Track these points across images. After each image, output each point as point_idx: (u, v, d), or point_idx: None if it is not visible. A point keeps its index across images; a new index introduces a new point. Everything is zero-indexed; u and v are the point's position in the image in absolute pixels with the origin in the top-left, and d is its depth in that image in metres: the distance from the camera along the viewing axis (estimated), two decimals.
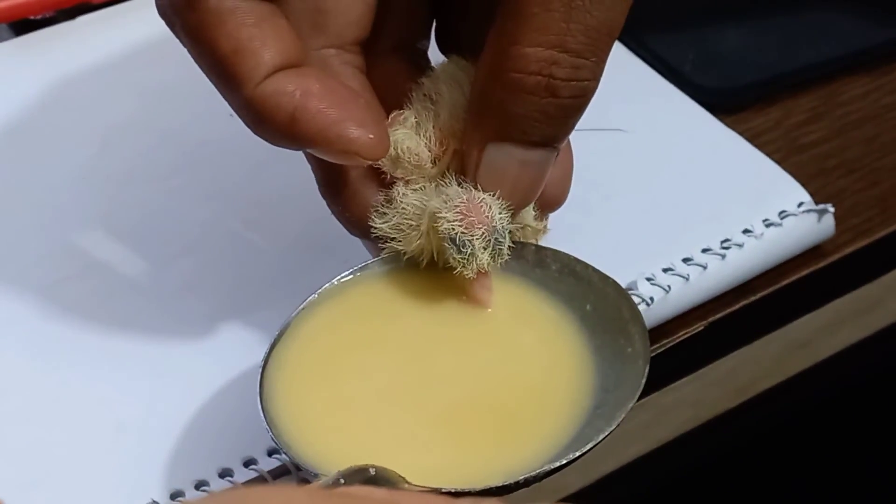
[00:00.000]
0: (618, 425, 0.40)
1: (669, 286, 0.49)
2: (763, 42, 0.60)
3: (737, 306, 0.50)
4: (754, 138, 0.55)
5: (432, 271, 0.44)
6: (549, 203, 0.45)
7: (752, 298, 0.50)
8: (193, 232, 0.52)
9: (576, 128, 0.55)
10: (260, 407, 0.41)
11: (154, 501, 0.44)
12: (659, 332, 0.49)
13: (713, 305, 0.50)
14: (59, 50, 0.60)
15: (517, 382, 0.43)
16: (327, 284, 0.44)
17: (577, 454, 0.40)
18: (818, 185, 0.54)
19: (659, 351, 0.49)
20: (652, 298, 0.49)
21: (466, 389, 0.43)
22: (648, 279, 0.49)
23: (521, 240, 0.44)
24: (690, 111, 0.56)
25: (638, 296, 0.49)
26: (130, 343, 0.48)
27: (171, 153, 0.55)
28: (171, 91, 0.58)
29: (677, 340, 0.49)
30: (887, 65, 0.59)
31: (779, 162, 0.54)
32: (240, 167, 0.55)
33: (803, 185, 0.53)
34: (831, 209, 0.52)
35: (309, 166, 0.46)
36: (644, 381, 0.41)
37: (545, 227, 0.45)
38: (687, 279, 0.49)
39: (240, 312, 0.49)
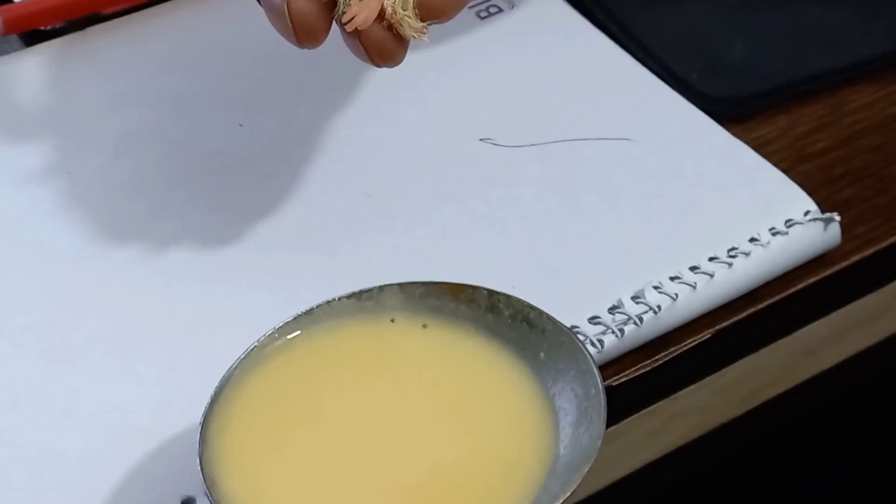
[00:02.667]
0: (573, 492, 0.39)
1: (677, 294, 0.49)
2: (769, 51, 0.60)
3: (744, 314, 0.50)
4: (761, 147, 0.55)
5: (380, 325, 0.44)
6: (432, 9, 0.43)
7: (759, 306, 0.51)
8: (202, 241, 0.53)
9: (583, 136, 0.56)
10: (200, 471, 0.40)
11: None
12: (666, 340, 0.49)
13: (720, 313, 0.50)
14: (70, 60, 0.60)
15: (476, 449, 0.42)
16: (270, 332, 0.43)
17: None
18: (825, 194, 0.54)
19: (666, 359, 0.49)
20: (659, 307, 0.49)
21: (420, 457, 0.42)
22: (656, 287, 0.49)
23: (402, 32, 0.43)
24: (697, 120, 0.57)
25: (646, 304, 0.49)
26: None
27: (182, 162, 0.56)
28: (181, 101, 0.58)
29: (684, 348, 0.49)
30: (894, 74, 0.60)
31: (785, 171, 0.54)
32: (250, 176, 0.55)
33: (810, 193, 0.53)
34: (837, 218, 0.52)
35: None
36: (600, 443, 0.40)
37: (425, 29, 0.43)
38: (694, 287, 0.50)
39: (249, 323, 0.49)
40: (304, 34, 0.43)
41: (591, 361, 0.42)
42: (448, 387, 0.43)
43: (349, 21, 0.42)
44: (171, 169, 0.55)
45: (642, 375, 0.49)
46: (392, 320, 0.45)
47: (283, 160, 0.56)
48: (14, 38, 0.62)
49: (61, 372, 0.48)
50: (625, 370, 0.48)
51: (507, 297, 0.44)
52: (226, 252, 0.52)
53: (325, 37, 0.43)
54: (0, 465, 0.45)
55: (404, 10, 0.42)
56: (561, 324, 0.43)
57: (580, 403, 0.42)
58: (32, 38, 0.61)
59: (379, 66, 0.43)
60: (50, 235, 0.53)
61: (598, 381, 0.42)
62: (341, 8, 0.42)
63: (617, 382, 0.48)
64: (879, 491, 0.62)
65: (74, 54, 0.61)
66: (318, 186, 0.55)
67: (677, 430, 0.52)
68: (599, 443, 0.40)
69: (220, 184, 0.55)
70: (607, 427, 0.49)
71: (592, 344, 0.48)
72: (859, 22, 0.61)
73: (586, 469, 0.40)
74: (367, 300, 0.45)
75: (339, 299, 0.44)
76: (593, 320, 0.49)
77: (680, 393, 0.51)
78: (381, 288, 0.45)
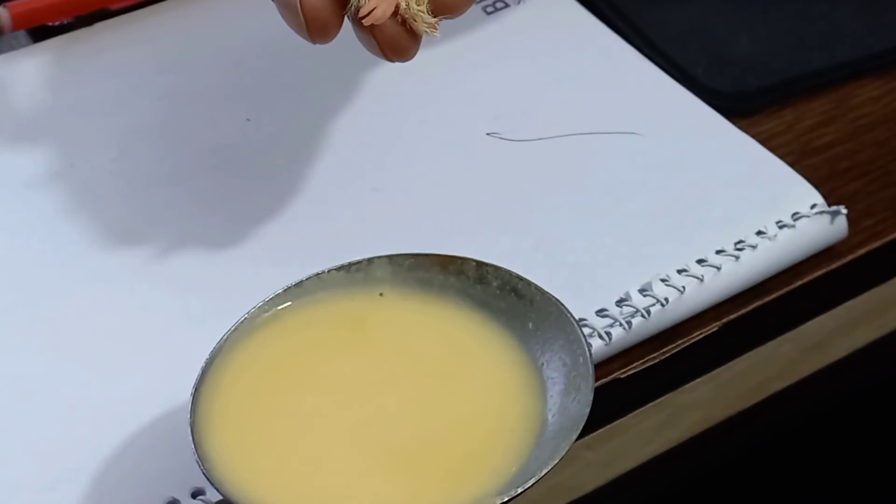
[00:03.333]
0: (562, 457, 0.40)
1: (684, 287, 0.49)
2: (775, 46, 0.60)
3: (751, 307, 0.50)
4: (767, 141, 0.56)
5: (369, 296, 0.45)
6: (444, 4, 0.43)
7: (766, 299, 0.51)
8: (211, 236, 0.53)
9: (590, 131, 0.56)
10: (192, 441, 0.41)
11: None
12: (673, 332, 0.49)
13: (727, 306, 0.50)
14: (77, 56, 0.61)
15: (462, 415, 0.43)
16: (261, 303, 0.44)
17: (520, 490, 0.39)
18: (831, 188, 0.54)
19: (674, 352, 0.49)
20: (667, 299, 0.49)
21: (408, 424, 0.42)
22: (663, 280, 0.50)
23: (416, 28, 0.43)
24: (704, 115, 0.57)
25: (653, 296, 0.49)
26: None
27: (190, 157, 0.56)
28: (188, 96, 0.58)
29: (692, 341, 0.49)
30: None
31: (791, 164, 0.54)
32: (258, 171, 0.55)
33: (816, 187, 0.53)
34: (844, 211, 0.52)
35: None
36: (588, 411, 0.41)
37: (435, 25, 0.43)
38: (701, 280, 0.50)
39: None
40: (317, 30, 0.43)
41: (579, 331, 0.43)
42: (436, 356, 0.44)
43: (366, 16, 0.42)
44: (178, 164, 0.56)
45: (650, 368, 0.49)
46: (381, 294, 0.45)
47: (289, 155, 0.56)
48: (22, 33, 0.62)
49: (63, 363, 0.48)
50: (632, 363, 0.49)
51: (496, 268, 0.45)
52: (232, 246, 0.52)
53: (337, 32, 0.43)
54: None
55: (418, 6, 0.42)
56: (549, 294, 0.44)
57: (568, 372, 0.42)
58: (40, 33, 0.62)
59: (392, 60, 0.43)
60: (55, 229, 0.53)
61: (586, 350, 0.42)
62: (355, 3, 0.42)
63: (625, 375, 0.48)
64: (887, 484, 0.62)
65: (82, 50, 0.61)
66: (324, 181, 0.55)
67: (684, 423, 0.52)
68: (588, 410, 0.41)
69: (227, 178, 0.55)
70: (616, 419, 0.50)
71: (600, 336, 0.48)
72: (865, 16, 0.62)
73: (574, 436, 0.40)
74: (356, 272, 0.45)
75: (329, 271, 0.45)
76: (601, 313, 0.49)
77: (687, 385, 0.51)
78: (371, 260, 0.45)
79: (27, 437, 0.46)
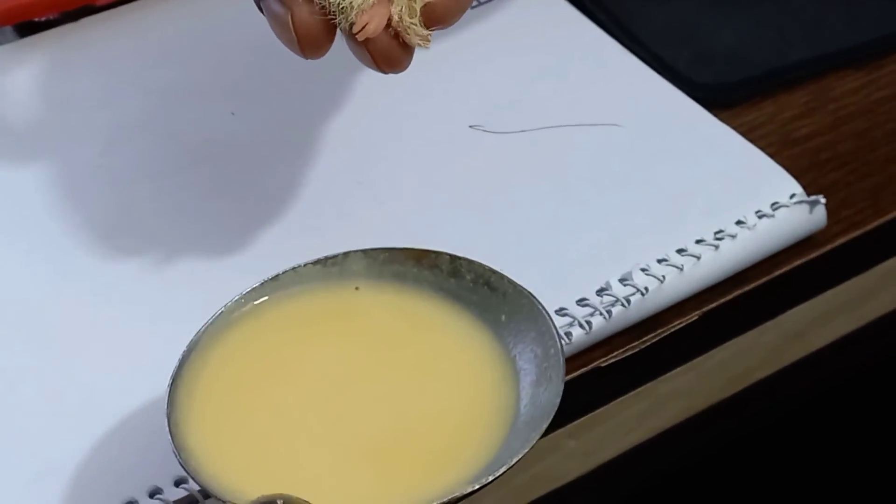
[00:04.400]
0: (532, 446, 0.40)
1: (664, 276, 0.50)
2: (756, 39, 0.61)
3: (730, 296, 0.51)
4: (748, 133, 0.56)
5: (345, 290, 0.45)
6: (435, 16, 0.43)
7: (746, 289, 0.51)
8: (196, 229, 0.53)
9: (572, 123, 0.57)
10: (168, 432, 0.41)
11: None
12: (654, 321, 0.50)
13: (707, 295, 0.51)
14: (63, 51, 0.61)
15: (435, 407, 0.43)
16: (237, 297, 0.44)
17: (490, 478, 0.40)
18: (811, 178, 0.54)
19: (654, 340, 0.50)
20: (647, 288, 0.49)
21: (383, 417, 0.43)
22: (643, 269, 0.50)
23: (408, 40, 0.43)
24: (685, 106, 0.57)
25: (633, 286, 0.49)
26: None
27: (175, 152, 0.56)
28: (174, 90, 0.59)
29: (672, 330, 0.50)
30: (879, 60, 0.60)
31: (772, 155, 0.55)
32: (243, 164, 0.56)
33: (796, 178, 0.53)
34: (823, 200, 0.52)
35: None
36: (559, 401, 0.41)
37: (428, 37, 0.43)
38: (681, 270, 0.50)
39: None
40: (309, 46, 0.43)
41: (551, 323, 0.43)
42: (410, 349, 0.44)
43: (360, 31, 0.42)
44: (164, 157, 0.56)
45: (630, 357, 0.49)
46: (356, 288, 0.45)
47: (275, 149, 0.56)
48: (8, 29, 0.62)
49: (45, 355, 0.49)
50: (613, 351, 0.49)
51: (469, 261, 0.45)
52: (217, 239, 0.53)
53: (329, 47, 0.43)
54: None
55: (410, 19, 0.43)
56: (521, 287, 0.44)
57: (540, 364, 0.43)
58: (26, 29, 0.62)
59: (385, 72, 0.44)
60: (40, 223, 0.53)
61: (558, 341, 0.43)
62: (348, 19, 0.42)
63: (605, 364, 0.49)
64: (866, 472, 0.62)
65: (68, 45, 0.61)
66: (310, 174, 0.55)
67: (666, 412, 0.52)
68: (558, 400, 0.41)
69: (212, 172, 0.55)
70: (597, 408, 0.50)
71: (581, 325, 0.48)
72: (844, 10, 0.62)
73: (545, 425, 0.41)
74: (332, 266, 0.45)
75: (305, 265, 0.45)
76: (581, 302, 0.49)
77: (668, 374, 0.51)
78: (346, 254, 0.46)
79: (9, 430, 0.46)
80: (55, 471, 0.45)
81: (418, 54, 0.59)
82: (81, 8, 0.63)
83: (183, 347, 0.43)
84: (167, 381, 0.42)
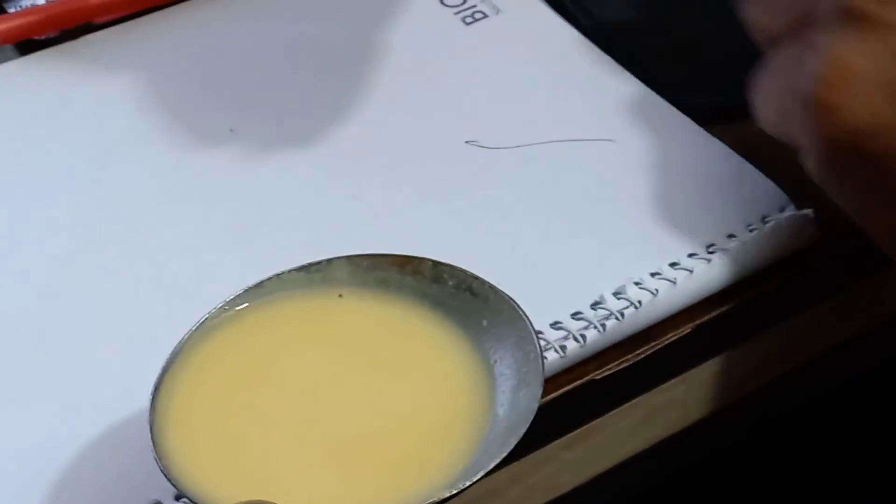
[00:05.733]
0: (510, 451, 0.41)
1: (657, 290, 0.50)
2: (749, 53, 0.61)
3: (722, 309, 0.51)
4: (738, 147, 0.57)
5: (328, 297, 0.46)
6: None
7: (738, 301, 0.52)
8: (191, 243, 0.54)
9: (565, 138, 0.57)
10: (151, 440, 0.41)
11: None
12: (647, 334, 0.51)
13: (700, 308, 0.51)
14: (64, 68, 0.62)
15: (413, 411, 0.43)
16: (221, 304, 0.45)
17: (468, 483, 0.40)
18: (801, 192, 0.55)
19: (648, 353, 0.50)
20: (640, 302, 0.50)
21: (358, 421, 0.43)
22: (636, 283, 0.51)
23: None
24: (677, 122, 0.58)
25: (626, 299, 0.50)
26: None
27: (173, 168, 0.57)
28: (172, 107, 0.59)
29: (665, 343, 0.50)
30: None
31: (762, 169, 0.55)
32: (241, 179, 0.56)
33: (786, 191, 0.54)
34: (813, 215, 0.53)
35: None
36: (537, 405, 0.42)
37: None
38: (674, 283, 0.51)
39: None
40: None
41: (531, 328, 0.43)
42: (388, 355, 0.45)
43: None
44: (162, 175, 0.57)
45: (624, 370, 0.50)
46: (340, 295, 0.46)
47: (272, 164, 0.57)
48: (8, 47, 0.63)
49: (32, 365, 0.49)
50: (607, 364, 0.50)
51: (452, 267, 0.46)
52: (214, 254, 0.53)
53: None
54: None
55: None
56: (502, 292, 0.45)
57: (519, 368, 0.43)
58: (27, 47, 0.63)
59: None
60: (41, 241, 0.54)
61: (537, 345, 0.43)
62: None
63: (600, 376, 0.49)
64: (862, 480, 0.63)
65: (68, 63, 0.62)
66: (306, 189, 0.56)
67: (660, 423, 0.53)
68: (536, 405, 0.42)
69: (210, 187, 0.56)
70: (592, 420, 0.51)
71: (575, 339, 0.49)
72: None
73: (523, 430, 0.41)
74: (315, 272, 0.46)
75: (289, 272, 0.46)
76: (575, 316, 0.50)
77: (662, 386, 0.52)
78: (330, 260, 0.46)
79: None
80: (40, 483, 0.45)
81: (417, 71, 0.60)
82: (81, 26, 0.63)
83: (167, 354, 0.44)
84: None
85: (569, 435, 0.50)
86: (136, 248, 0.53)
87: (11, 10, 0.64)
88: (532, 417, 0.41)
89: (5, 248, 0.54)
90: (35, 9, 0.63)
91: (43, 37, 0.63)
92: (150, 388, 0.43)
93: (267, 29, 0.63)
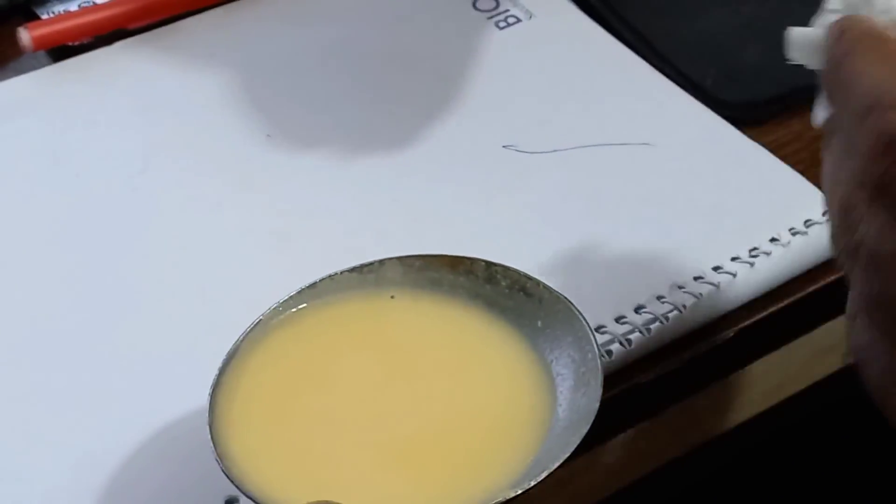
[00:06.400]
0: (574, 451, 0.41)
1: (701, 294, 0.50)
2: (783, 55, 0.61)
3: (765, 313, 0.51)
4: (777, 150, 0.57)
5: (381, 297, 0.46)
6: None
7: (781, 305, 0.52)
8: (234, 248, 0.54)
9: (602, 142, 0.57)
10: (211, 441, 0.41)
11: None
12: (691, 338, 0.50)
13: (742, 312, 0.51)
14: (98, 74, 0.62)
15: (473, 411, 0.43)
16: (275, 305, 0.45)
17: (532, 483, 0.40)
18: None
19: (692, 356, 0.50)
20: (685, 306, 0.50)
21: (422, 421, 0.43)
22: (680, 287, 0.51)
23: None
24: (714, 124, 0.58)
25: (671, 303, 0.50)
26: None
27: (210, 173, 0.57)
28: (206, 113, 0.59)
29: (712, 345, 0.50)
30: None
31: (802, 172, 0.55)
32: (278, 185, 0.56)
33: None
34: None
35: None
36: (598, 405, 0.41)
37: None
38: (717, 287, 0.51)
39: None
40: None
41: (588, 327, 0.43)
42: (446, 355, 0.45)
43: None
44: (199, 179, 0.57)
45: (669, 373, 0.50)
46: (392, 296, 0.46)
47: (310, 168, 0.57)
48: (42, 53, 0.63)
49: (85, 369, 0.49)
50: (652, 368, 0.50)
51: (505, 268, 0.46)
52: (254, 254, 0.53)
53: None
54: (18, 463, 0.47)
55: None
56: (557, 292, 0.45)
57: (577, 368, 0.43)
58: (60, 53, 0.63)
59: None
60: (74, 246, 0.54)
61: (595, 346, 0.43)
62: None
63: (645, 380, 0.49)
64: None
65: (101, 69, 0.62)
66: (345, 193, 0.56)
67: (702, 427, 0.53)
68: (597, 405, 0.41)
69: (247, 192, 0.56)
70: (637, 424, 0.51)
71: (621, 343, 0.49)
72: None
73: (585, 430, 0.41)
74: (368, 273, 0.46)
75: (342, 273, 0.46)
76: (620, 320, 0.50)
77: (705, 390, 0.52)
78: (382, 262, 0.46)
79: (48, 446, 0.47)
80: (95, 488, 0.46)
81: (453, 75, 0.60)
82: (114, 32, 0.63)
83: (221, 356, 0.44)
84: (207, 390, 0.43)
85: (614, 440, 0.50)
86: (184, 253, 0.53)
87: (45, 17, 0.64)
88: (593, 417, 0.41)
89: (51, 253, 0.54)
90: (68, 14, 0.63)
91: (77, 43, 0.63)
92: (206, 389, 0.43)
93: (301, 35, 0.63)
